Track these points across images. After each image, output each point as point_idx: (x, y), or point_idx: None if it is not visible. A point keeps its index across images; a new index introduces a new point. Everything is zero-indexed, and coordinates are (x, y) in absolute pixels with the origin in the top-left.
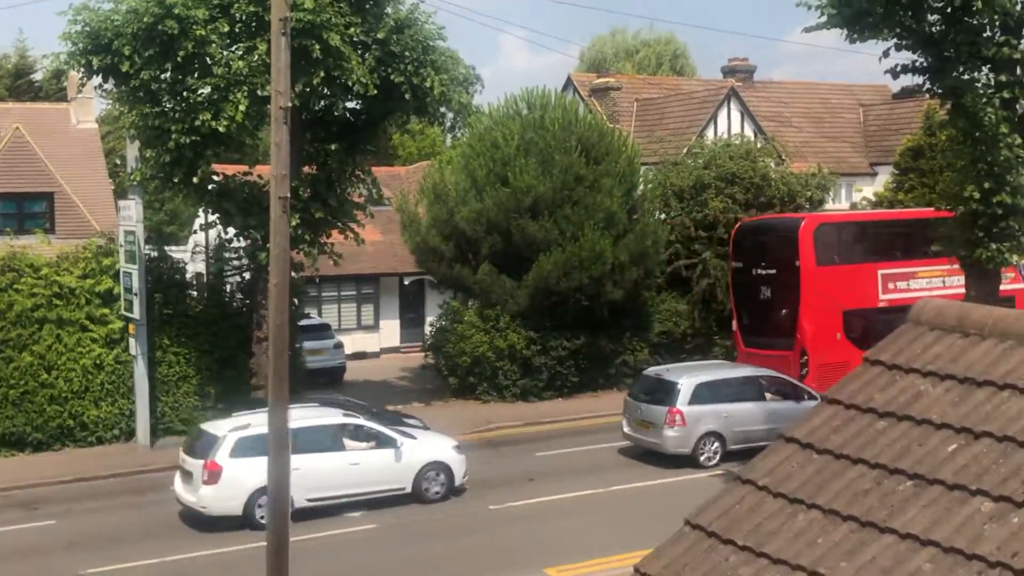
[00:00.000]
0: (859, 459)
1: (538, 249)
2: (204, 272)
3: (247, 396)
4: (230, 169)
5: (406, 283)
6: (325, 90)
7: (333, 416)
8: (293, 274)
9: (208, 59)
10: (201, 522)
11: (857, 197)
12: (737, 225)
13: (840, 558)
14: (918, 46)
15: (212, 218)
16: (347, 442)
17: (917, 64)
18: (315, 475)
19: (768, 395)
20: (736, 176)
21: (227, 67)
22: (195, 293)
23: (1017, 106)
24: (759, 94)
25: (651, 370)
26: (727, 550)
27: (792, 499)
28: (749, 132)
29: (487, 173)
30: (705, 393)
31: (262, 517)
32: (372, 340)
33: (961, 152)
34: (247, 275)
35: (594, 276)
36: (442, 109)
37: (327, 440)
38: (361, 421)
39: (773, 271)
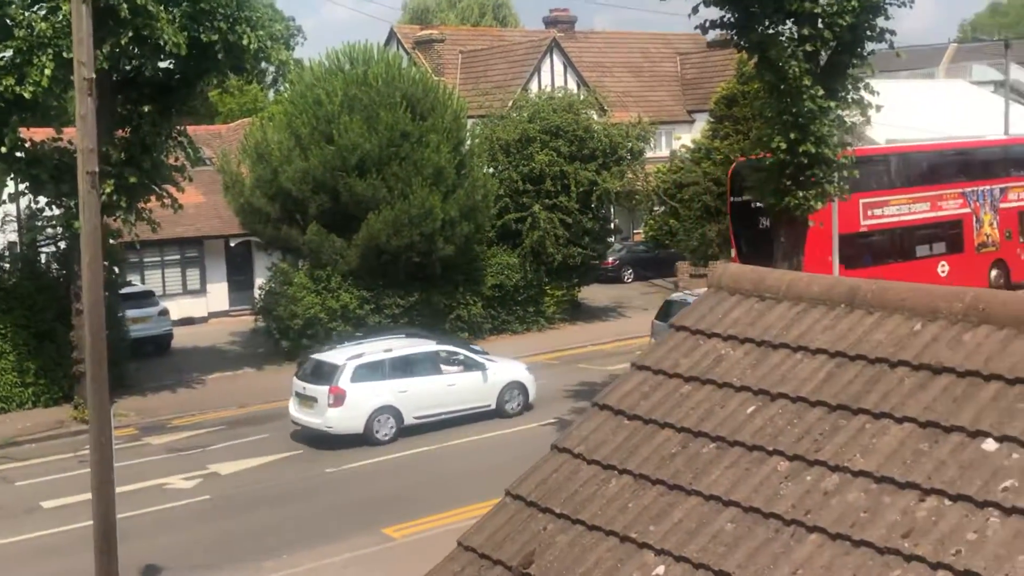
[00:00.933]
0: (666, 423)
1: (367, 208)
2: (16, 243)
3: (69, 370)
4: (39, 134)
5: (232, 245)
6: (135, 50)
7: (429, 344)
8: (111, 241)
9: (8, 20)
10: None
11: (676, 144)
12: (734, 165)
13: (649, 521)
14: (726, 1)
15: (22, 187)
16: (443, 367)
17: (725, 19)
18: (419, 396)
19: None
20: (560, 129)
21: (29, 29)
22: (7, 265)
23: (819, 58)
24: (581, 44)
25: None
26: (545, 519)
27: (605, 465)
28: (572, 83)
29: (311, 131)
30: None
31: (379, 432)
32: (199, 305)
33: (768, 104)
34: (62, 244)
35: (425, 233)
36: (262, 65)
37: (428, 365)
38: (454, 348)
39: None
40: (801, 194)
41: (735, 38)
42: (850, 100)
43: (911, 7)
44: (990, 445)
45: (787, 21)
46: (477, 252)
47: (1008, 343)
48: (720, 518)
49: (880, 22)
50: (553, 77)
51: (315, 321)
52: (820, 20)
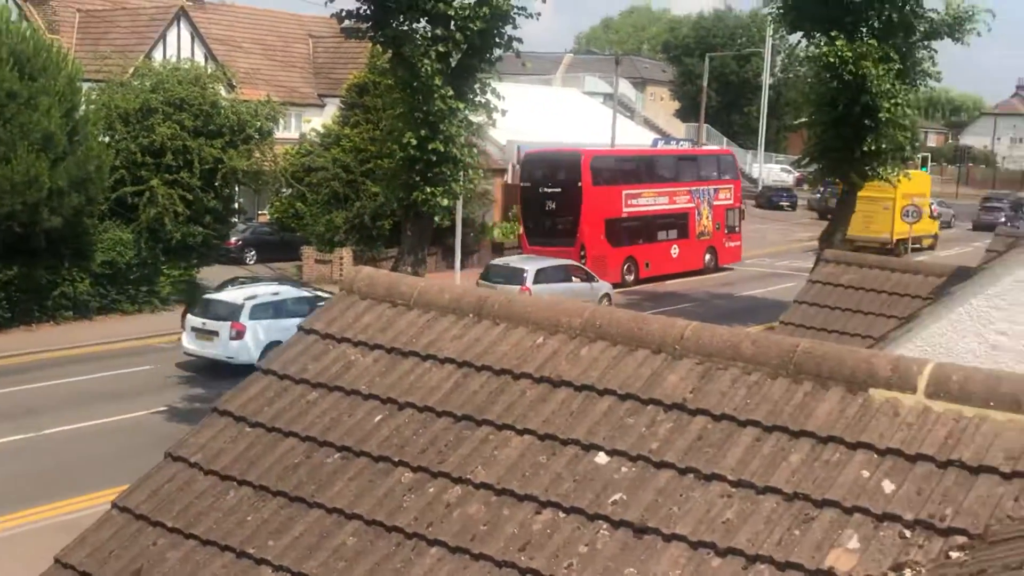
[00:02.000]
0: (290, 432)
1: None
2: None
3: None
4: None
5: None
6: None
7: (307, 291)
8: None
9: None
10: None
11: (306, 128)
12: (525, 155)
13: (268, 536)
14: None
15: None
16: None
17: (361, 11)
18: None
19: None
20: (185, 102)
21: None
22: None
23: (450, 59)
24: (211, 16)
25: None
26: (156, 532)
27: (224, 476)
28: (200, 55)
29: None
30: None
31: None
32: None
33: (400, 99)
34: None
35: (29, 202)
36: None
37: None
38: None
39: (558, 189)
40: (429, 190)
41: (370, 31)
42: (477, 103)
43: (537, 19)
44: (602, 459)
45: (421, 19)
46: (88, 226)
47: (620, 359)
48: (342, 532)
49: (508, 30)
50: (180, 48)
51: None
52: (453, 22)
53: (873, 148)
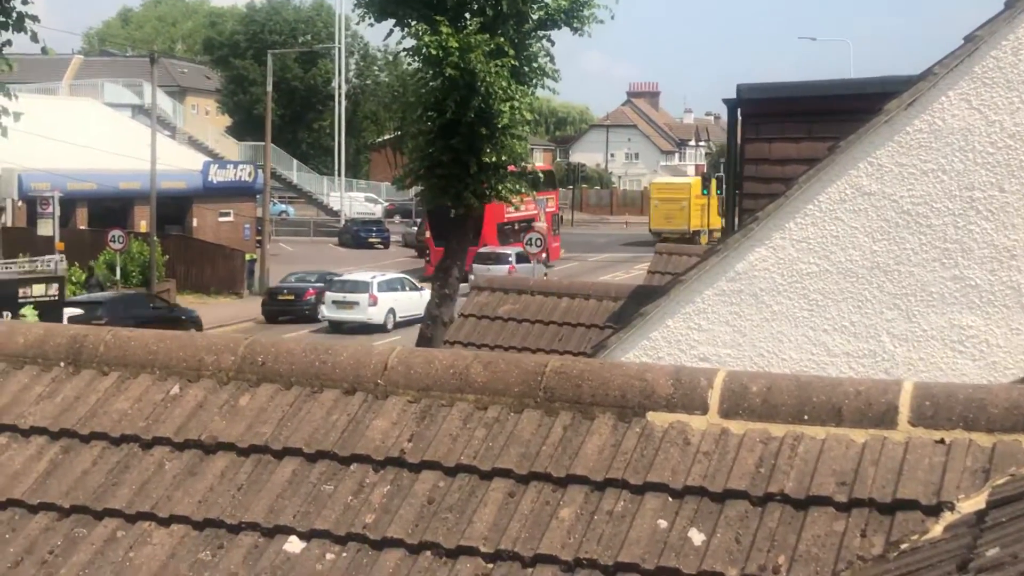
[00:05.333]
0: None
1: None
2: None
3: None
4: None
5: None
6: None
7: (400, 275)
8: None
9: None
10: None
11: None
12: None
13: None
14: None
15: None
16: (408, 287)
17: None
18: (403, 303)
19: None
20: None
21: None
22: None
23: None
24: None
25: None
26: None
27: None
28: None
29: None
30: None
31: (388, 324)
32: None
33: None
34: None
35: None
36: None
37: (406, 285)
38: (407, 277)
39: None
40: None
41: None
42: None
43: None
44: (294, 545)
45: None
46: None
47: (300, 406)
48: None
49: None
50: None
51: None
52: None
53: (494, 160)
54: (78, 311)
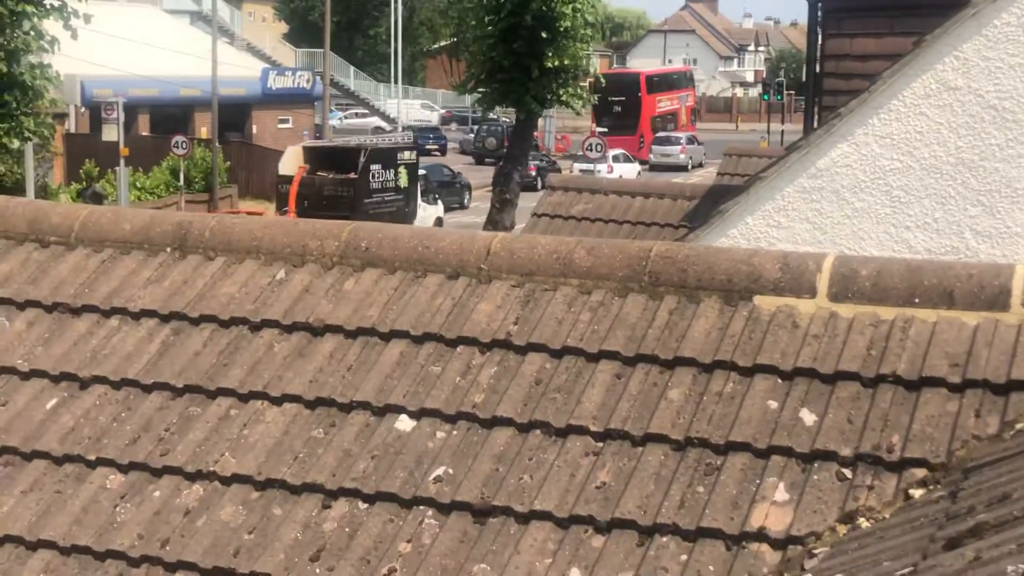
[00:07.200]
0: None
1: None
2: None
3: None
4: None
5: None
6: None
7: None
8: None
9: None
10: None
11: None
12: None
13: None
14: None
15: None
16: None
17: None
18: None
19: None
20: None
21: None
22: None
23: None
24: None
25: None
26: None
27: None
28: None
29: None
30: None
31: None
32: None
33: None
34: None
35: None
36: None
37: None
38: None
39: (623, 98)
40: None
41: None
42: (49, 5)
43: None
44: (405, 423)
45: None
46: None
47: (405, 291)
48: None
49: None
50: None
51: None
52: None
53: (556, 64)
54: None
